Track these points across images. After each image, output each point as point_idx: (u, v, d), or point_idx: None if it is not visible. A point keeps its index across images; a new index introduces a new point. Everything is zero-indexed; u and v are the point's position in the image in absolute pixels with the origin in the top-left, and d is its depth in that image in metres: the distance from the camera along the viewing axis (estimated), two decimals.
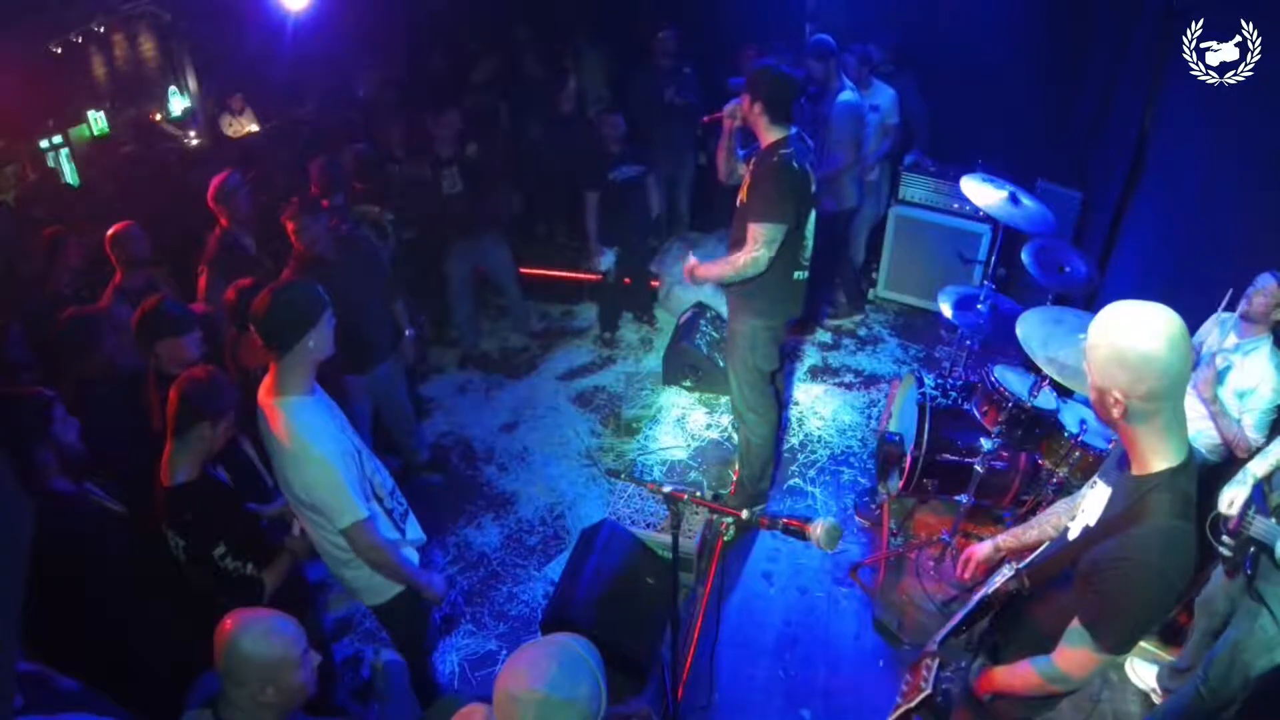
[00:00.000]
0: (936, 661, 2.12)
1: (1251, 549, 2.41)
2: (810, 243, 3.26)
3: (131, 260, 3.55)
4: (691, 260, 3.33)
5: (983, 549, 2.18)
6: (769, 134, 3.12)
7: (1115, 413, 1.51)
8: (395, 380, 3.95)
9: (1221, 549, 2.46)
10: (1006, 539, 2.14)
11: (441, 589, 2.55)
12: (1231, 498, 2.44)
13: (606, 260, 5.21)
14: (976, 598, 1.99)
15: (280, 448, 2.15)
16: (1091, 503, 1.73)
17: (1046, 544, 1.95)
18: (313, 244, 3.40)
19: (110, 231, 3.52)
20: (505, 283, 5.35)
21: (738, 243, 3.23)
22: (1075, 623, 1.61)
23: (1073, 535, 1.76)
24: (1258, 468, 2.49)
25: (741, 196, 3.23)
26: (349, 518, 2.15)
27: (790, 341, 5.00)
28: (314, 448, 2.10)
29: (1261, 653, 2.46)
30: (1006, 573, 1.90)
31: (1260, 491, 2.47)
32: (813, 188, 3.20)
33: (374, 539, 2.23)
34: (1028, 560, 1.91)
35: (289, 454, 2.13)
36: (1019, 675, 1.80)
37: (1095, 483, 1.78)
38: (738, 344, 3.44)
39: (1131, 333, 1.46)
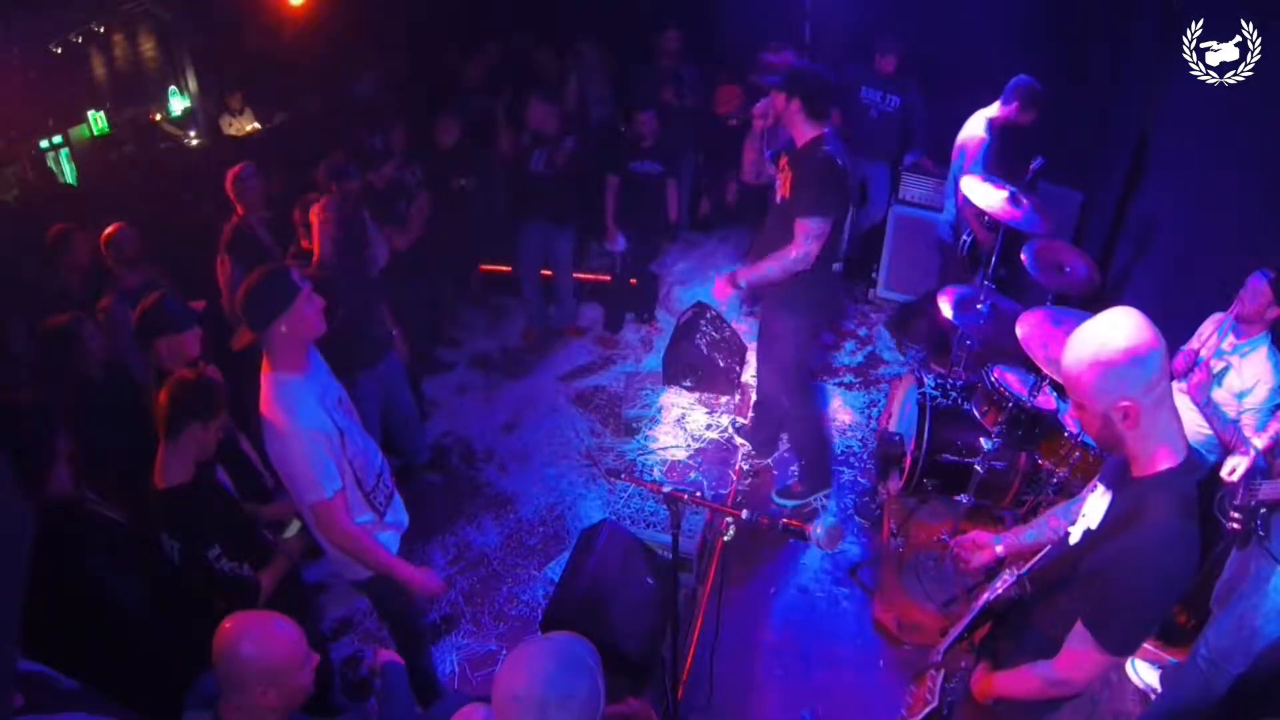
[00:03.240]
0: (941, 673, 2.11)
1: (1262, 511, 2.42)
2: (846, 236, 3.31)
3: (126, 261, 3.57)
4: (729, 275, 3.37)
5: (984, 536, 2.17)
6: (807, 130, 3.17)
7: (1127, 425, 1.50)
8: (398, 376, 3.96)
9: (1231, 523, 2.46)
10: (1007, 538, 2.14)
11: (425, 583, 2.51)
12: (1234, 465, 2.46)
13: (620, 244, 5.24)
14: (977, 606, 1.98)
15: (262, 418, 2.22)
16: (1093, 506, 1.73)
17: (1047, 548, 1.94)
18: (331, 251, 3.45)
19: (104, 233, 3.54)
20: (560, 276, 5.43)
21: (776, 241, 3.26)
22: (1078, 626, 1.61)
23: (1074, 539, 1.76)
24: (1258, 440, 2.51)
25: (783, 193, 3.27)
26: (311, 495, 2.20)
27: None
28: (288, 422, 2.17)
29: (1275, 617, 2.44)
30: (1008, 578, 1.90)
31: (1263, 461, 2.48)
32: (850, 183, 3.25)
33: (338, 522, 2.27)
34: (1029, 565, 1.90)
35: (267, 424, 2.20)
36: (1021, 681, 1.79)
37: (1096, 486, 1.78)
38: (778, 342, 3.47)
39: (1105, 341, 1.48)
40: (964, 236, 4.29)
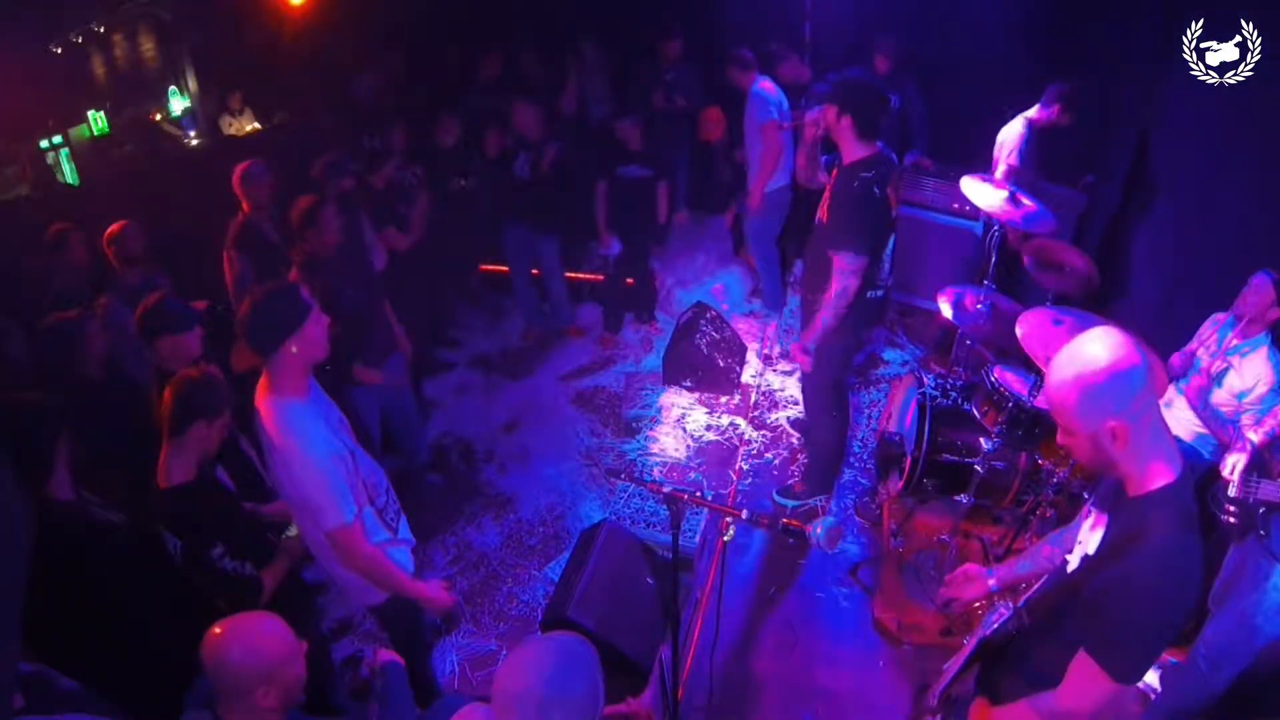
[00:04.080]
0: (939, 718, 2.08)
1: (1262, 510, 2.41)
2: (888, 263, 3.27)
3: (129, 258, 3.57)
4: (798, 344, 3.42)
5: (976, 569, 2.11)
6: (854, 149, 3.07)
7: (1118, 446, 1.48)
8: (401, 376, 3.96)
9: (1227, 517, 2.45)
10: (999, 571, 2.08)
11: (443, 601, 2.47)
12: (1232, 464, 2.46)
13: (614, 249, 5.26)
14: (973, 642, 1.93)
15: (271, 446, 2.15)
16: (1088, 532, 1.69)
17: (1044, 578, 1.89)
18: (328, 245, 3.43)
19: (109, 230, 3.54)
20: (549, 280, 5.45)
21: (816, 264, 3.26)
22: (1082, 654, 1.56)
23: (1072, 567, 1.71)
24: (1253, 434, 2.50)
25: (821, 214, 3.24)
26: (333, 520, 2.14)
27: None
28: (302, 449, 2.10)
29: (1274, 615, 2.43)
30: (1003, 612, 1.85)
31: (1259, 457, 2.48)
32: (894, 212, 3.19)
33: (360, 546, 2.21)
34: (1025, 596, 1.85)
35: (278, 452, 2.13)
36: (1021, 716, 1.72)
37: (1089, 513, 1.74)
38: (817, 358, 3.48)
39: (1086, 362, 1.47)
40: (993, 230, 4.30)
